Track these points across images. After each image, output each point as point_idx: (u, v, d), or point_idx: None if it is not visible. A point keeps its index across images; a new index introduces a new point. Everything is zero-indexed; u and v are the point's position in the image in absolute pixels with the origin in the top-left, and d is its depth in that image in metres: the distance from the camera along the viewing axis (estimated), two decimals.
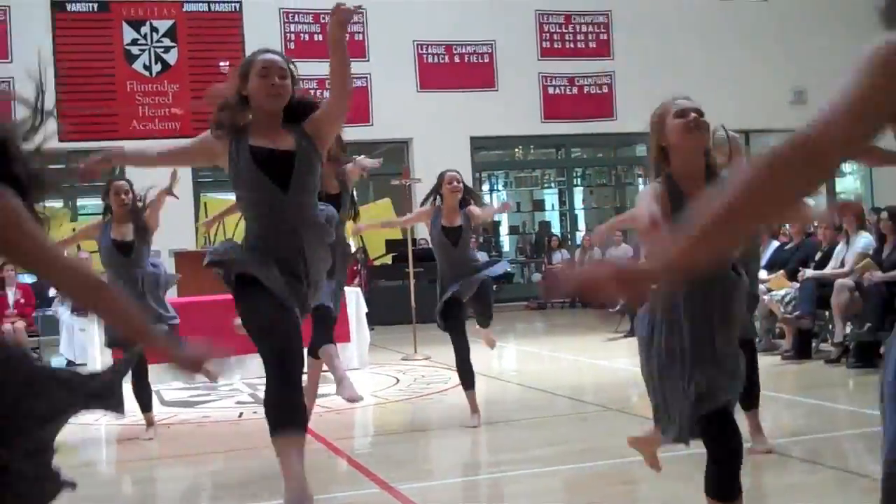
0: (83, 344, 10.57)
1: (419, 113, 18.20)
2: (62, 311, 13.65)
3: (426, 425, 8.08)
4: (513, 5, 19.41)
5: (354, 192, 7.60)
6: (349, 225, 7.90)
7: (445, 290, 7.37)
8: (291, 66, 4.79)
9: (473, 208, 7.61)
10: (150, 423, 7.60)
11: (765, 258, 11.67)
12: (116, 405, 2.92)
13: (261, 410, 8.39)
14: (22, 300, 14.13)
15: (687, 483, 5.77)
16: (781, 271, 10.99)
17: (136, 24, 17.52)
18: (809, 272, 10.56)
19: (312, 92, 18.45)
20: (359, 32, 18.59)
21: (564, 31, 19.80)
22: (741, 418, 5.20)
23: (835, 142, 1.92)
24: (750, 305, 5.63)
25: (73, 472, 6.61)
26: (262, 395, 8.55)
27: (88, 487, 6.42)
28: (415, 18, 18.68)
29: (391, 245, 17.27)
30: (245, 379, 9.87)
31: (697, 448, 6.09)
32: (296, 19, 18.36)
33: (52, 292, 16.15)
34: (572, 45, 19.85)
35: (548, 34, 19.71)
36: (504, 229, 21.65)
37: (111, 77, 17.37)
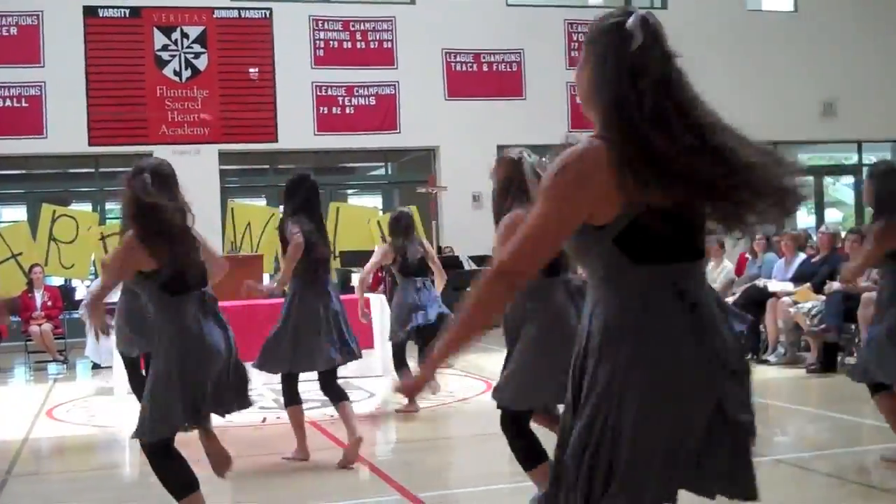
0: (109, 348, 10.62)
1: (447, 121, 18.21)
2: (89, 314, 13.72)
3: (448, 434, 8.09)
4: (542, 14, 19.41)
5: None
6: None
7: None
8: None
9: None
10: None
11: (791, 271, 11.61)
12: None
13: (284, 415, 8.42)
14: (49, 303, 14.23)
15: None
16: (808, 284, 10.93)
17: (166, 30, 17.64)
18: (836, 285, 10.49)
19: (340, 99, 18.55)
20: (388, 41, 18.64)
21: None
22: None
23: (526, 269, 2.62)
24: None
25: (93, 475, 6.66)
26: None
27: (108, 490, 6.47)
28: (443, 27, 18.71)
29: None
30: (268, 384, 9.90)
31: None
32: (325, 27, 18.42)
33: (78, 295, 16.29)
34: None
35: (576, 43, 19.67)
36: None
37: (141, 82, 17.48)
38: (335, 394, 6.96)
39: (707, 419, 2.62)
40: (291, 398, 6.94)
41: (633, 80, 2.75)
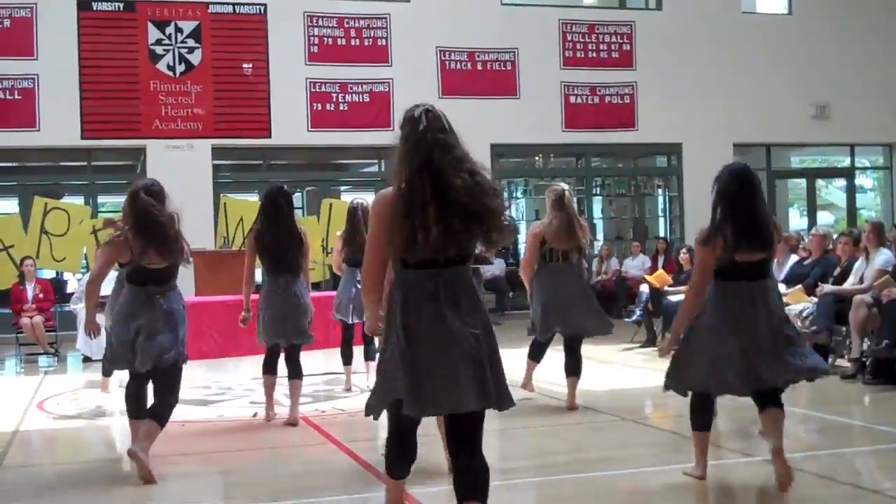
0: (100, 341, 10.58)
1: None
2: (80, 308, 13.69)
3: (438, 430, 8.07)
4: (536, 13, 19.42)
5: None
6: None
7: None
8: None
9: None
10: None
11: (783, 273, 11.63)
12: None
13: (276, 409, 8.41)
14: (41, 295, 14.20)
15: (700, 494, 5.77)
16: (799, 286, 10.95)
17: (160, 25, 17.60)
18: (828, 287, 10.51)
19: (334, 95, 18.54)
20: (382, 38, 18.64)
21: (588, 40, 19.78)
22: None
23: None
24: None
25: (84, 467, 6.68)
26: (278, 394, 8.58)
27: (98, 482, 6.46)
28: (438, 25, 18.71)
29: None
30: (258, 378, 9.89)
31: (712, 461, 6.08)
32: (320, 23, 18.41)
33: (69, 289, 16.25)
34: (595, 55, 19.82)
35: (571, 43, 19.70)
36: (522, 237, 21.61)
37: (135, 76, 17.44)
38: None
39: None
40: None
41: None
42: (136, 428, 6.55)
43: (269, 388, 8.42)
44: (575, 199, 9.06)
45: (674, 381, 5.92)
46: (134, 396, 6.67)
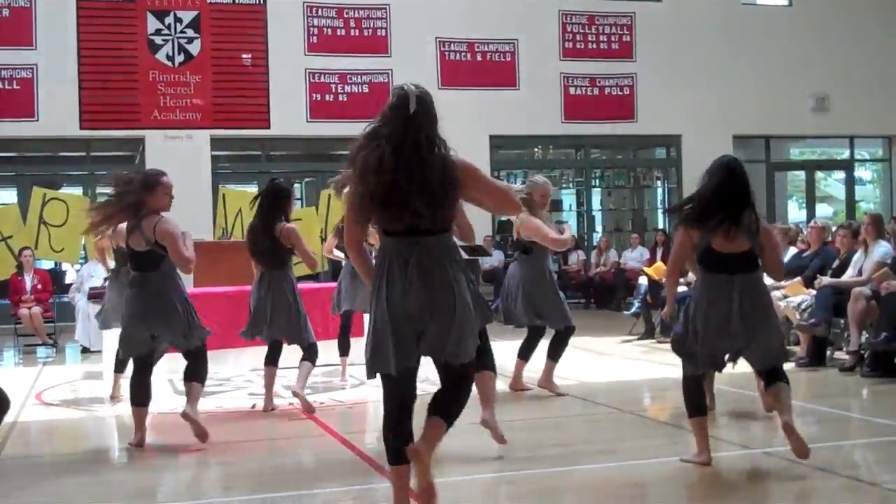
0: (98, 330, 10.62)
1: (439, 109, 18.04)
2: (78, 298, 13.71)
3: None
4: (536, 4, 19.38)
5: None
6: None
7: None
8: None
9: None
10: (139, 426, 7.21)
11: None
12: None
13: (275, 402, 8.42)
14: (39, 286, 14.21)
15: (699, 486, 5.77)
16: (798, 278, 10.94)
17: (160, 15, 17.58)
18: (826, 279, 10.51)
19: (333, 86, 18.52)
20: (381, 28, 18.61)
21: (588, 31, 19.76)
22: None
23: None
24: None
25: (82, 458, 6.67)
26: (277, 386, 8.58)
27: (97, 473, 6.46)
28: (437, 15, 18.69)
29: None
30: (257, 370, 9.89)
31: (711, 453, 6.08)
32: (319, 14, 18.38)
33: (67, 279, 16.25)
34: (595, 46, 19.81)
35: (571, 34, 19.68)
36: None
37: (134, 67, 17.43)
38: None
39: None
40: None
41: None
42: (142, 416, 7.01)
43: (269, 380, 8.44)
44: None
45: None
46: (144, 385, 7.04)
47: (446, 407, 4.67)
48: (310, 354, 8.22)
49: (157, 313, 6.90)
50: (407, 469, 4.60)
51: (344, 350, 9.91)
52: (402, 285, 4.42)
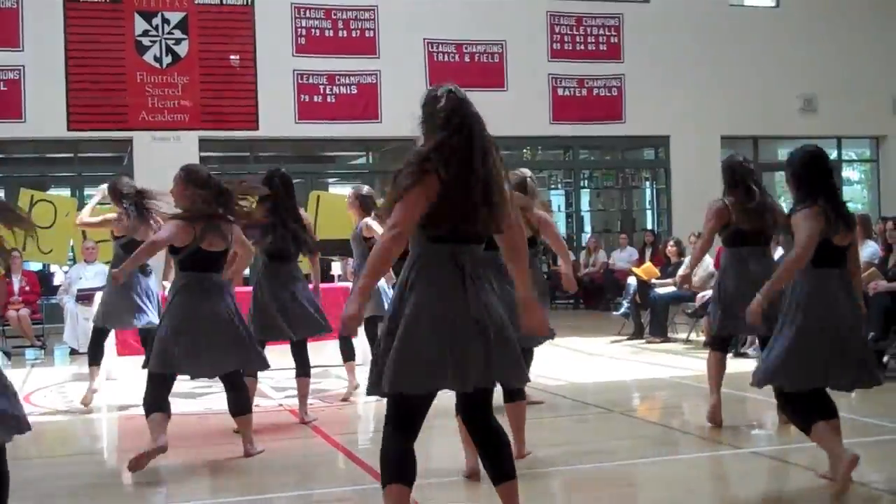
0: (87, 332, 10.58)
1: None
2: (67, 300, 13.67)
3: (427, 424, 8.09)
4: (524, 6, 19.39)
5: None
6: None
7: None
8: None
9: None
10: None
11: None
12: None
13: (263, 403, 8.42)
14: (27, 288, 14.16)
15: (688, 486, 5.78)
16: None
17: (147, 16, 17.53)
18: None
19: (321, 87, 18.51)
20: (370, 30, 18.60)
21: (575, 32, 19.78)
22: None
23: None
24: None
25: (71, 460, 6.62)
26: (265, 387, 8.56)
27: (86, 475, 6.45)
28: (425, 17, 18.68)
29: None
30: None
31: (695, 453, 6.11)
32: (307, 14, 18.36)
33: (56, 281, 16.20)
34: (583, 48, 19.82)
35: (559, 35, 19.70)
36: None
37: (121, 68, 17.37)
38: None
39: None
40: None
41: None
42: (164, 423, 6.40)
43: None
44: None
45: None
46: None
47: (500, 463, 4.27)
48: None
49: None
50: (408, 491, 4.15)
51: (350, 355, 9.30)
52: (454, 294, 4.01)
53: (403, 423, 4.17)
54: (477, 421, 4.28)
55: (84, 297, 12.80)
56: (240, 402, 6.67)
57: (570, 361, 11.15)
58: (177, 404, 8.64)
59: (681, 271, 10.26)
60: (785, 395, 5.52)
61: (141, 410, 7.30)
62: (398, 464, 4.14)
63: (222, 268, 6.54)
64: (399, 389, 4.01)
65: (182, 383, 9.78)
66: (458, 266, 4.02)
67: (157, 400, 6.34)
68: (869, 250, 10.29)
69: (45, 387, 10.51)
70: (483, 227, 4.07)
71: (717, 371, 7.29)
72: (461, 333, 3.97)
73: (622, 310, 14.09)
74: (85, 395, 8.98)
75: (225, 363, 6.50)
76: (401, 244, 3.97)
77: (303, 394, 7.92)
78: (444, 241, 4.03)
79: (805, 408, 5.40)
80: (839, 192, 5.66)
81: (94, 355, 9.10)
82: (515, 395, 5.98)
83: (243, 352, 6.54)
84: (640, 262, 16.69)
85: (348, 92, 18.42)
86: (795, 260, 5.34)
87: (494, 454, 4.23)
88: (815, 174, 5.57)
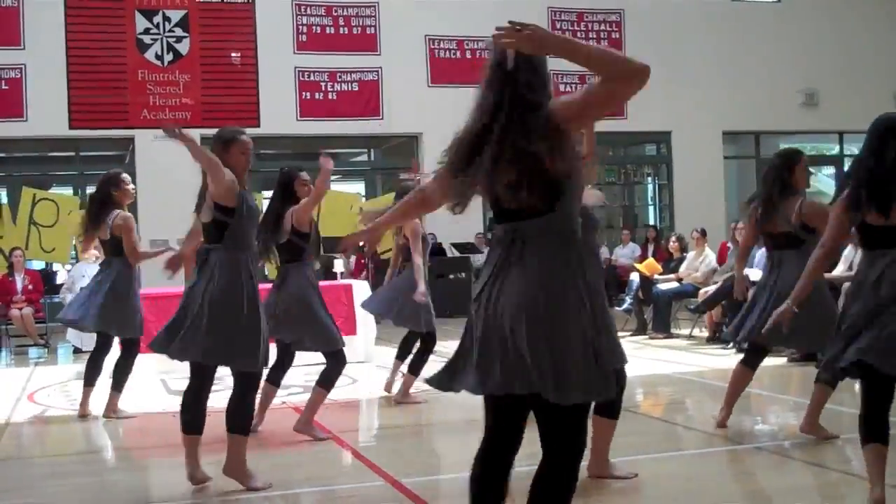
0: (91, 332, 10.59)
1: (430, 107, 18.16)
2: (70, 298, 13.67)
3: (433, 420, 8.09)
4: (525, 2, 19.35)
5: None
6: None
7: None
8: None
9: None
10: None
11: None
12: None
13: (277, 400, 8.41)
14: (30, 286, 14.17)
15: (691, 481, 5.78)
16: None
17: (148, 14, 17.53)
18: None
19: (323, 84, 18.50)
20: (371, 26, 18.59)
21: (577, 28, 19.76)
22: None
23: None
24: None
25: (74, 459, 6.64)
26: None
27: (90, 474, 6.45)
28: (427, 13, 18.67)
29: None
30: None
31: (699, 449, 6.10)
32: (308, 12, 18.36)
33: (58, 279, 16.22)
34: None
35: (560, 31, 19.67)
36: None
37: (123, 66, 17.38)
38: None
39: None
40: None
41: None
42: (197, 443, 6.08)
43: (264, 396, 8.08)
44: None
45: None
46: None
47: None
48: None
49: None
50: None
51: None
52: (495, 281, 3.49)
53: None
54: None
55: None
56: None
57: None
58: (177, 402, 8.65)
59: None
60: (878, 393, 4.91)
61: (141, 410, 7.32)
62: None
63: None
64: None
65: (182, 382, 9.79)
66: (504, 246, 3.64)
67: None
68: None
69: (49, 385, 10.52)
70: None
71: (741, 387, 7.03)
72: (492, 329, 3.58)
73: (625, 306, 14.09)
74: (80, 408, 8.49)
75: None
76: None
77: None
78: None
79: (882, 417, 4.91)
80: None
81: (91, 376, 8.43)
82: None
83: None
84: (643, 257, 16.68)
85: (350, 89, 18.42)
86: None
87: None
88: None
